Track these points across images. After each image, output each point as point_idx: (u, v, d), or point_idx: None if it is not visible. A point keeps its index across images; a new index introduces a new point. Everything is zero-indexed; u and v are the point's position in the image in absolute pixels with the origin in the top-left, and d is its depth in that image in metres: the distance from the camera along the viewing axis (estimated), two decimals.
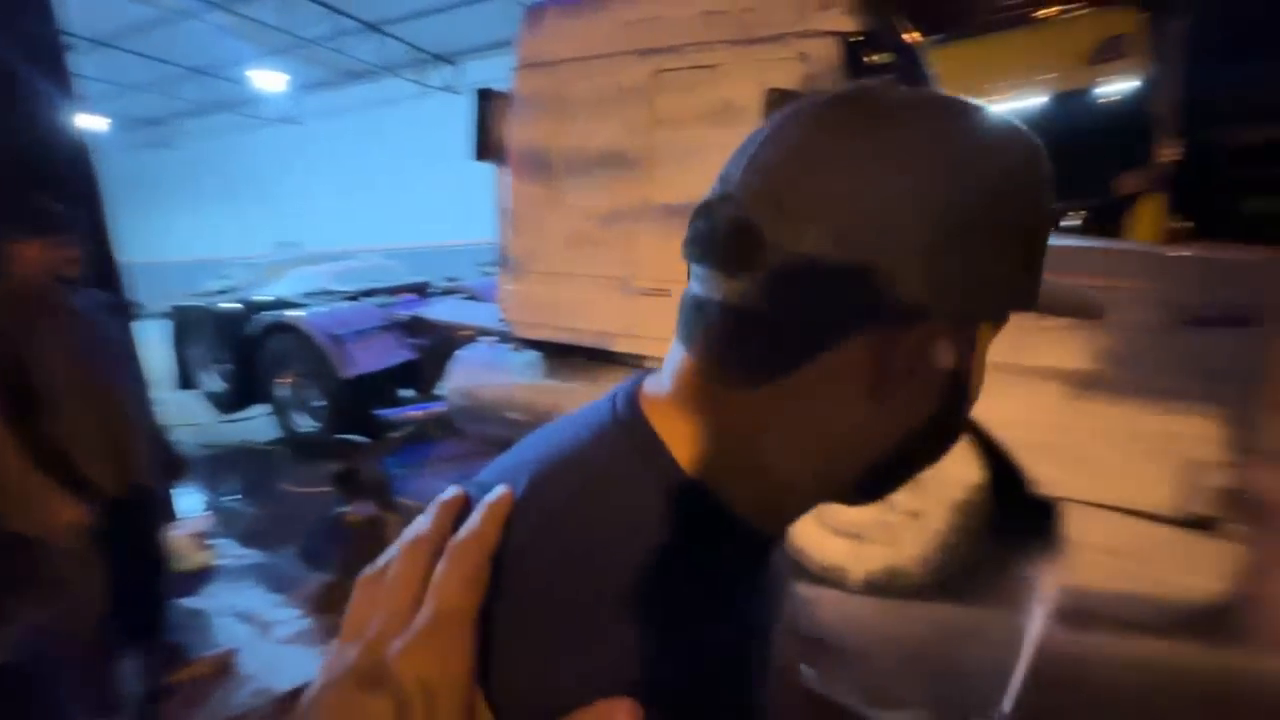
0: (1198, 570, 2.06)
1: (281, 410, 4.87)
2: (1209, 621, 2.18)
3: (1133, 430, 2.10)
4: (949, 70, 4.78)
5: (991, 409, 2.29)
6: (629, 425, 0.41)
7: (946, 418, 0.40)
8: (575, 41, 3.03)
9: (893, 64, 3.15)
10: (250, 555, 3.24)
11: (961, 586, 2.57)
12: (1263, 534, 2.57)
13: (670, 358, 0.44)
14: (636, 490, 0.38)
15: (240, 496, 4.19)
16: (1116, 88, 4.93)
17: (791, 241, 0.34)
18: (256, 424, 5.34)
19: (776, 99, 2.22)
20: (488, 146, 3.21)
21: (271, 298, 5.35)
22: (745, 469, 0.39)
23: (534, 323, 3.40)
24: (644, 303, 3.01)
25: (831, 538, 2.72)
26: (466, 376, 3.73)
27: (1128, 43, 4.83)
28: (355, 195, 13.87)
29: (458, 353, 3.93)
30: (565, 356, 3.49)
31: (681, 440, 0.40)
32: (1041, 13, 5.17)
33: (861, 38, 2.55)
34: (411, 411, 4.46)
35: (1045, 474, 2.22)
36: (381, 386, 4.61)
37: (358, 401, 4.44)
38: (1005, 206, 0.36)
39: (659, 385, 0.43)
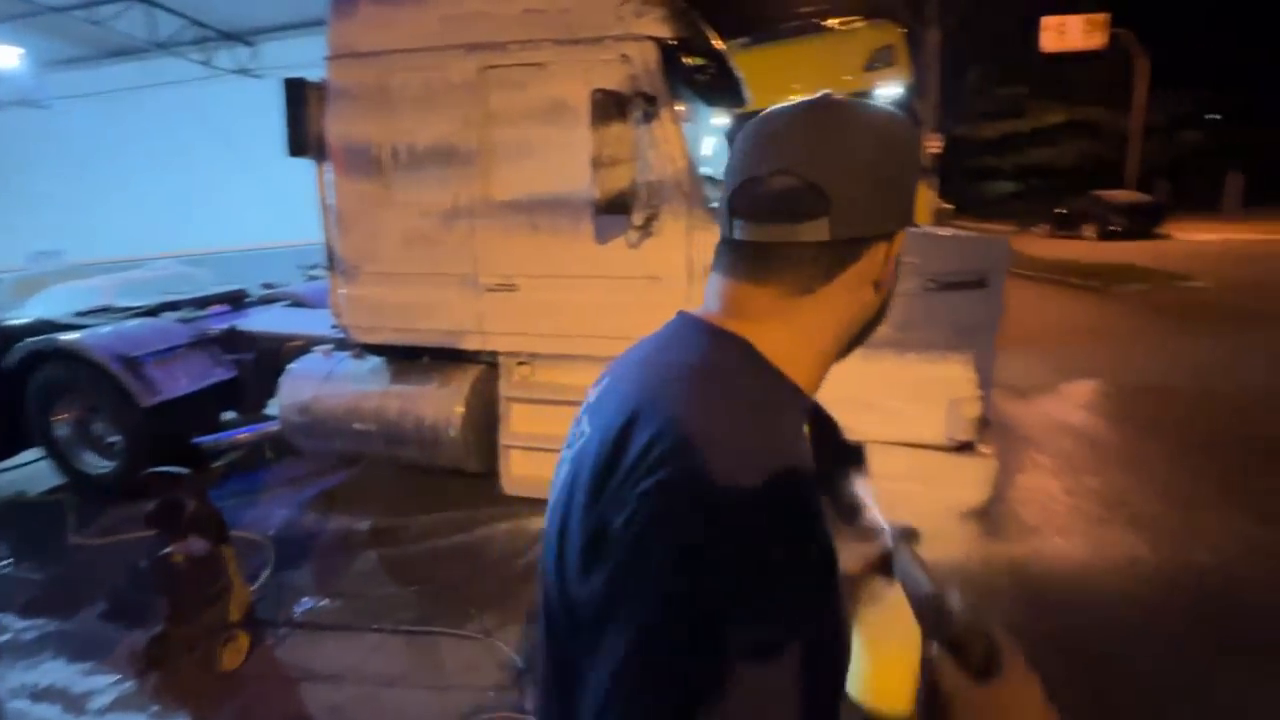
0: (966, 484, 2.57)
1: (63, 452, 4.12)
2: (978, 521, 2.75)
3: (909, 378, 2.55)
4: (752, 73, 5.27)
5: None
6: (742, 354, 0.55)
7: (891, 294, 0.61)
8: (395, 33, 2.92)
9: (708, 67, 3.45)
10: (39, 625, 2.76)
11: None
12: (1003, 448, 3.25)
13: (722, 293, 0.59)
14: (785, 409, 0.53)
15: (12, 561, 3.50)
16: (889, 91, 5.80)
17: (841, 194, 0.52)
18: (29, 472, 4.46)
19: (601, 100, 2.36)
20: (303, 140, 2.98)
21: (29, 320, 4.46)
22: (810, 356, 0.57)
23: (373, 326, 3.24)
24: (491, 299, 3.02)
25: None
26: (301, 390, 3.46)
27: (895, 52, 5.69)
28: (133, 193, 11.84)
29: (289, 366, 3.62)
30: (411, 359, 3.38)
31: (773, 349, 0.55)
32: (827, 23, 5.90)
33: (676, 42, 2.77)
34: (239, 435, 4.02)
35: (850, 422, 2.62)
36: (197, 411, 4.08)
37: (168, 431, 3.89)
38: (917, 161, 0.60)
39: (721, 315, 0.58)
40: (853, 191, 0.53)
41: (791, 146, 0.55)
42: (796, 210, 0.53)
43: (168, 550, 2.23)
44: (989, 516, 2.85)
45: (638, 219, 2.65)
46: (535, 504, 3.41)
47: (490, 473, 3.27)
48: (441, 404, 3.21)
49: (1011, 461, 3.36)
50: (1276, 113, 23.22)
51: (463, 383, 3.22)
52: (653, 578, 0.44)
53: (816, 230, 0.53)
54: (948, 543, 2.68)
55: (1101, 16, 18.17)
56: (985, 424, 2.60)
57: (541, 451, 3.18)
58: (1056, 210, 18.12)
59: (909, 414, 2.58)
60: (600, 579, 0.47)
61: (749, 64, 5.61)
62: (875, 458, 2.48)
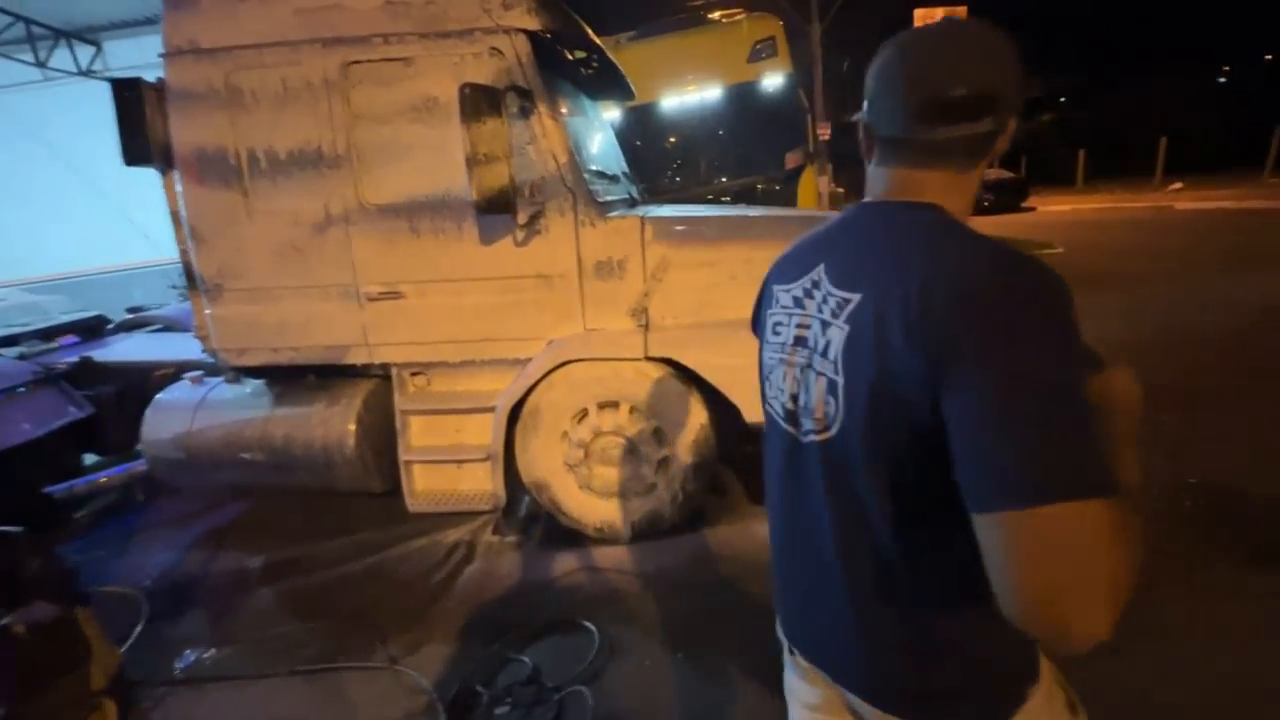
0: None
1: None
2: None
3: None
4: (639, 66, 5.31)
5: (706, 359, 2.70)
6: (944, 215, 0.74)
7: None
8: (243, 27, 2.69)
9: (590, 61, 3.42)
10: None
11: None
12: None
13: (900, 180, 0.77)
14: (1009, 248, 0.67)
15: None
16: (772, 81, 6.01)
17: (998, 93, 0.71)
18: None
19: (471, 95, 2.28)
20: (142, 148, 2.69)
21: None
22: (966, 215, 0.76)
23: (246, 348, 3.00)
24: (375, 309, 2.86)
25: (598, 500, 2.95)
26: (170, 423, 3.15)
27: (777, 44, 5.89)
28: None
29: (156, 397, 3.29)
30: (294, 379, 3.15)
31: (952, 212, 0.75)
32: (710, 15, 6.02)
33: (550, 35, 2.72)
34: (101, 478, 3.61)
35: (749, 406, 2.70)
36: (47, 457, 3.63)
37: (10, 483, 3.44)
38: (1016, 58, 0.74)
39: (904, 195, 0.77)
40: (1004, 89, 0.71)
41: (958, 61, 0.71)
42: (974, 113, 0.71)
43: (5, 622, 1.95)
44: None
45: (522, 217, 2.58)
46: (445, 519, 3.29)
47: (395, 491, 3.11)
48: (332, 424, 3.02)
49: None
50: (1111, 95, 26.06)
51: (354, 399, 3.04)
52: (1005, 356, 0.60)
53: (987, 124, 0.72)
54: None
55: (960, 9, 19.71)
56: None
57: (445, 464, 3.06)
58: None
59: None
60: (959, 384, 0.61)
61: (636, 57, 5.66)
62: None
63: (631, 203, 3.43)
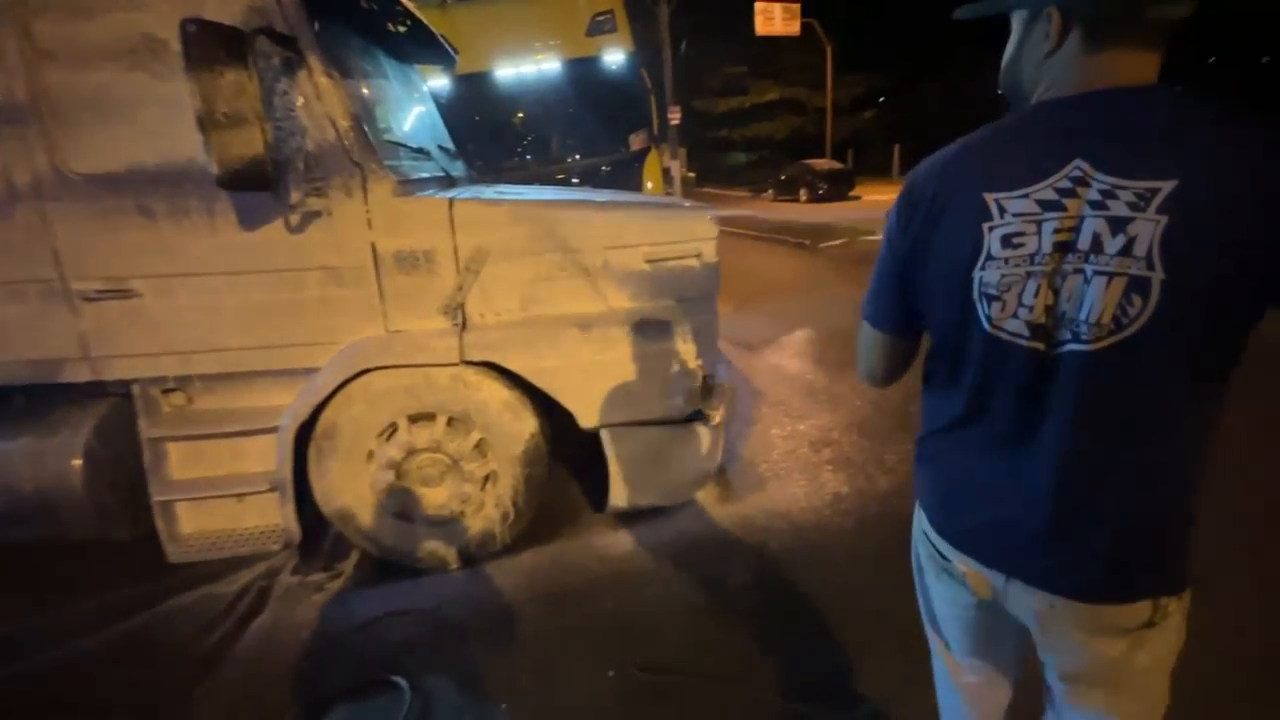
0: (697, 455, 2.59)
1: None
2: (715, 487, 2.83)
3: (636, 358, 2.46)
4: (469, 29, 4.80)
5: (533, 362, 2.41)
6: (1204, 98, 0.73)
7: None
8: None
9: (389, 14, 2.92)
10: None
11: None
12: (740, 406, 3.41)
13: (1116, 65, 0.76)
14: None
15: None
16: (613, 57, 5.76)
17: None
18: None
19: (198, 35, 1.74)
20: None
21: None
22: None
23: None
24: (97, 311, 2.21)
25: (417, 526, 2.57)
26: None
27: (616, 18, 5.64)
28: None
29: None
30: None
31: None
32: None
33: None
34: None
35: (582, 411, 2.47)
36: None
37: None
38: None
39: (1131, 78, 0.76)
40: None
41: None
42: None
43: None
44: (725, 479, 2.97)
45: (294, 196, 2.09)
46: (227, 564, 2.69)
47: (149, 537, 2.49)
48: (51, 460, 2.33)
49: (747, 416, 3.58)
50: (920, 95, 29.35)
51: (79, 428, 2.36)
52: None
53: (1189, 6, 0.74)
54: (689, 516, 2.71)
55: (795, 6, 20.91)
56: (709, 391, 2.63)
57: (221, 499, 2.50)
58: (781, 177, 20.71)
59: (638, 393, 2.50)
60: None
61: (465, 21, 5.13)
62: (615, 443, 2.21)
63: (448, 182, 3.02)
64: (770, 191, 20.91)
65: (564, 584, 2.45)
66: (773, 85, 29.42)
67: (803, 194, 19.10)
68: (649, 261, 2.66)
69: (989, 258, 0.80)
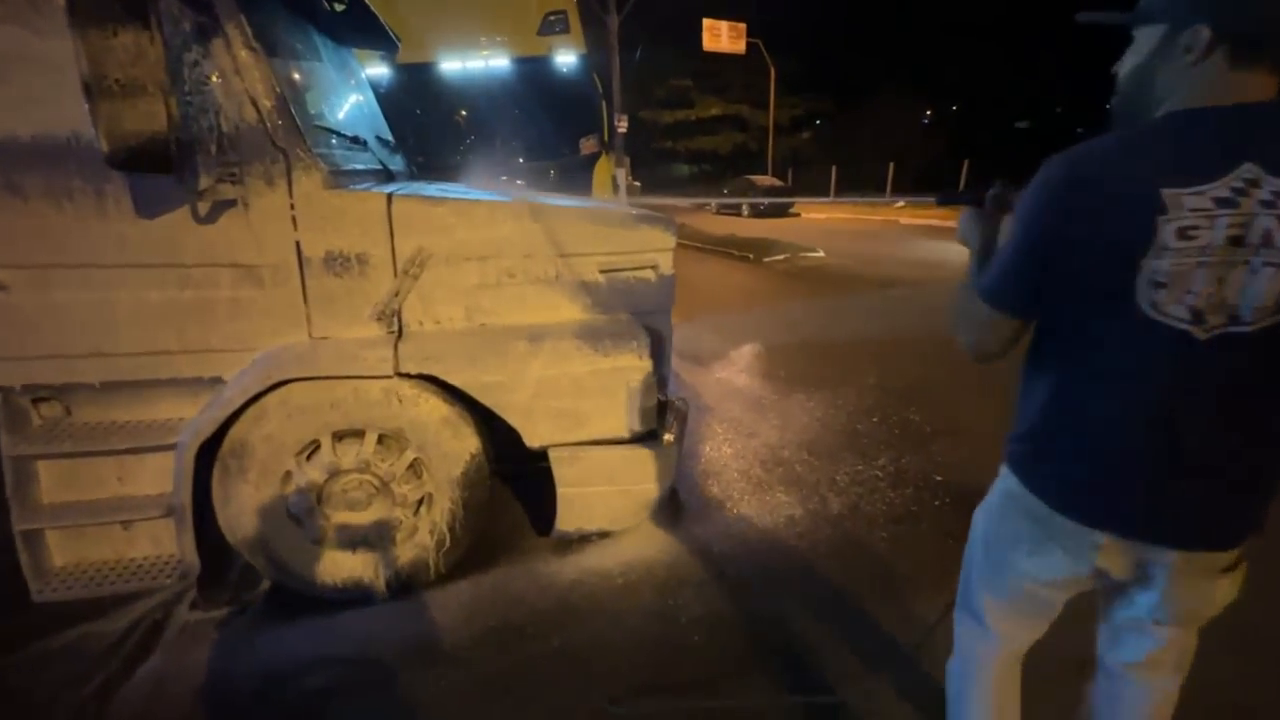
0: (649, 476, 2.45)
1: None
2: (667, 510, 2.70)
3: (587, 374, 2.30)
4: (415, 16, 4.53)
5: (478, 375, 2.22)
6: None
7: None
8: None
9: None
10: None
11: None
12: (690, 424, 3.30)
13: (1260, 85, 0.88)
14: None
15: None
16: (565, 59, 5.61)
17: None
18: None
19: None
20: None
21: None
22: None
23: None
24: None
25: (339, 555, 2.31)
26: None
27: (569, 19, 5.48)
28: None
29: None
30: None
31: None
32: None
33: None
34: None
35: (529, 429, 2.29)
36: None
37: None
38: None
39: (1267, 94, 0.89)
40: None
41: None
42: None
43: None
44: (677, 502, 2.86)
45: (204, 182, 1.82)
46: (100, 600, 2.30)
47: (13, 569, 2.12)
48: None
49: (697, 433, 3.49)
50: (855, 119, 30.65)
51: None
52: None
53: None
54: (640, 541, 2.57)
55: (741, 26, 21.40)
56: (664, 409, 2.51)
57: (102, 527, 2.16)
58: (724, 191, 21.06)
59: (589, 411, 2.35)
60: None
61: (401, 8, 4.83)
62: (565, 464, 2.04)
63: (386, 177, 2.78)
64: (712, 204, 21.23)
65: (506, 617, 2.25)
66: (717, 101, 30.04)
67: (745, 209, 19.49)
68: (603, 271, 2.51)
69: (1163, 248, 0.88)
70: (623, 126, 13.03)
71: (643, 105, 28.03)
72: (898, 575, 2.34)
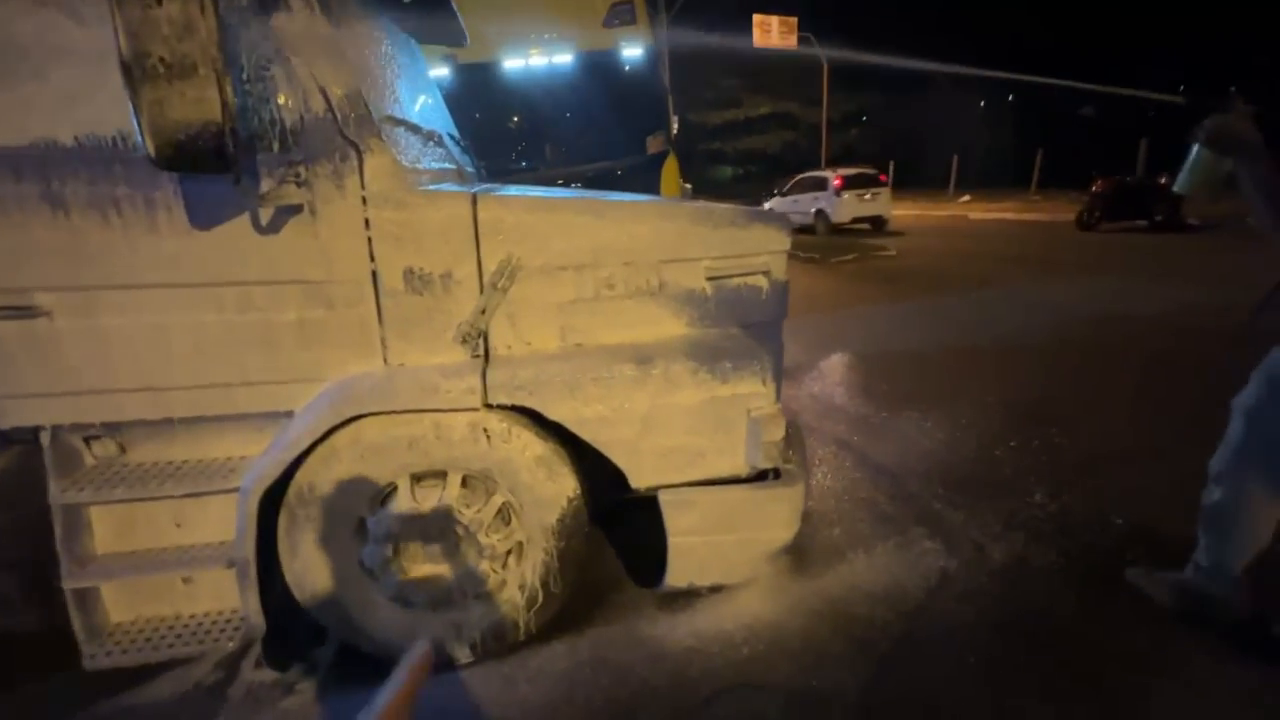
0: (775, 521, 2.05)
1: None
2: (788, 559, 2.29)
3: (699, 402, 1.93)
4: (475, 13, 4.27)
5: (578, 408, 1.87)
6: None
7: None
8: None
9: None
10: None
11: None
12: (805, 461, 2.88)
13: None
14: None
15: None
16: (631, 52, 5.27)
17: None
18: None
19: None
20: None
21: None
22: None
23: None
24: None
25: (417, 614, 2.00)
26: None
27: (636, 10, 5.15)
28: None
29: None
30: None
31: None
32: None
33: None
34: None
35: (636, 468, 1.93)
36: None
37: None
38: None
39: None
40: None
41: None
42: None
43: None
44: (795, 548, 2.43)
45: (266, 185, 1.53)
46: (134, 676, 2.03)
47: (54, 632, 1.89)
48: None
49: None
50: (916, 112, 29.47)
51: None
52: None
53: None
54: (763, 598, 2.16)
55: (792, 20, 20.74)
56: (787, 442, 2.10)
57: (159, 580, 1.91)
58: (775, 191, 20.40)
59: (706, 446, 1.97)
60: None
61: (471, 4, 4.60)
62: (677, 509, 1.59)
63: (461, 178, 2.47)
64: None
65: (612, 694, 1.88)
66: (765, 99, 29.38)
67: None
68: (710, 279, 2.13)
69: None
70: (675, 128, 12.68)
71: (691, 107, 27.68)
72: (1100, 655, 1.86)
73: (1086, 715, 1.68)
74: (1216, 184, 1.71)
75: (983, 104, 31.57)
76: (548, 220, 1.89)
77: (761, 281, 2.25)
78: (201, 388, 1.77)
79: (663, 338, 2.07)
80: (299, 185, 1.60)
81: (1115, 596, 2.07)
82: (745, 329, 2.19)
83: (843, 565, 2.31)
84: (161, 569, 1.90)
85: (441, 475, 1.91)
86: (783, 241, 2.26)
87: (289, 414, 1.86)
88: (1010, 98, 31.59)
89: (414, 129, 2.11)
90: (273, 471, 1.77)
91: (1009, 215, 15.45)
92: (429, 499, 1.91)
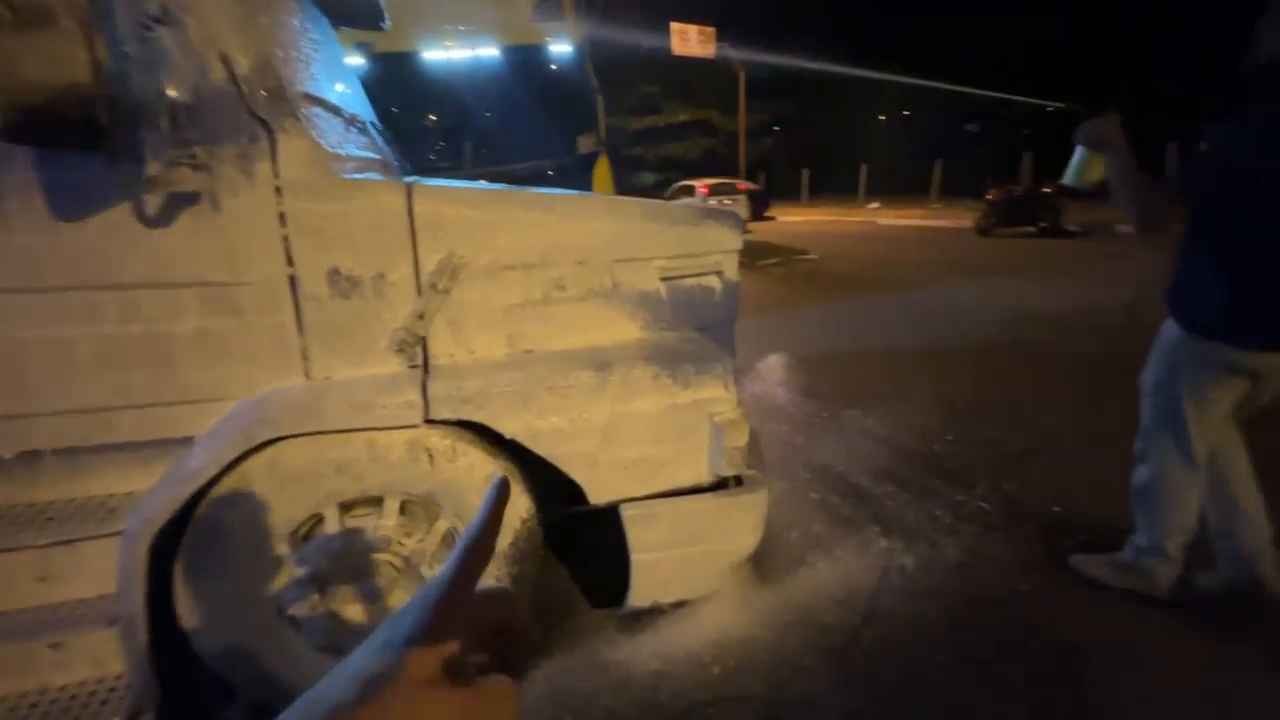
0: (740, 529, 1.96)
1: None
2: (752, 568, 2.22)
3: (666, 407, 1.81)
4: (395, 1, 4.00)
5: (532, 421, 1.70)
6: None
7: None
8: None
9: None
10: None
11: None
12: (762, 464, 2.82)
13: None
14: None
15: None
16: (561, 49, 5.11)
17: None
18: None
19: None
20: None
21: None
22: None
23: None
24: None
25: (328, 664, 1.75)
26: None
27: (564, 5, 4.99)
28: None
29: None
30: None
31: None
32: None
33: None
34: None
35: (595, 483, 1.78)
36: None
37: None
38: None
39: None
40: None
41: None
42: None
43: None
44: (756, 556, 2.36)
45: (153, 168, 1.27)
46: None
47: None
48: None
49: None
50: (826, 123, 30.95)
51: None
52: None
53: None
54: (729, 612, 2.07)
55: (710, 30, 21.19)
56: (749, 447, 2.03)
57: (21, 648, 1.57)
58: (663, 197, 20.74)
59: (668, 456, 1.85)
60: None
61: None
62: (640, 524, 1.44)
63: (387, 170, 2.24)
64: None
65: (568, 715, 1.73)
66: (684, 107, 29.87)
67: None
68: (664, 280, 2.04)
69: None
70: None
71: (611, 112, 27.74)
72: (1062, 646, 1.89)
73: (1059, 706, 1.69)
74: (1094, 177, 1.97)
75: (882, 118, 33.63)
76: (493, 215, 1.72)
77: (714, 282, 2.18)
78: (72, 413, 1.47)
79: (618, 342, 1.94)
80: (195, 169, 1.34)
81: (1065, 584, 2.13)
82: (700, 331, 2.12)
83: (805, 571, 2.26)
84: (19, 636, 1.56)
85: (376, 502, 1.69)
86: (735, 240, 2.19)
87: (187, 441, 1.58)
88: (905, 113, 33.88)
89: (335, 110, 1.87)
90: (166, 510, 1.49)
91: (915, 221, 16.43)
92: (362, 529, 1.69)
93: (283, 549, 1.63)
